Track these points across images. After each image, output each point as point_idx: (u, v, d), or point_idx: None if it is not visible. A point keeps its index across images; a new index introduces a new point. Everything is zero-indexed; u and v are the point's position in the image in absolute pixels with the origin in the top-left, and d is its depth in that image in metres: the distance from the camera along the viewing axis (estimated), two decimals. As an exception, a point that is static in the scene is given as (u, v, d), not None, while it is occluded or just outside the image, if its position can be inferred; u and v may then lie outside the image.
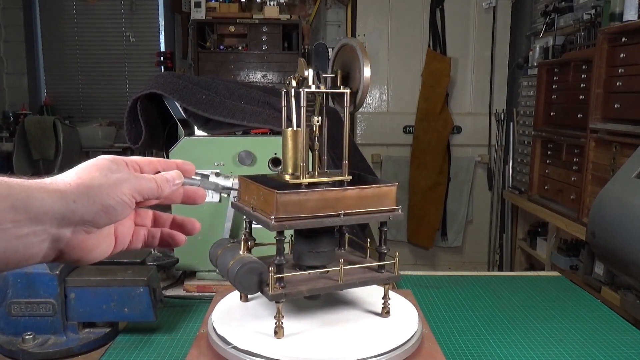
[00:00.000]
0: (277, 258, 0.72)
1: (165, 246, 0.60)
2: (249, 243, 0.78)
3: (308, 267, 0.79)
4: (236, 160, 1.22)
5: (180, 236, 0.60)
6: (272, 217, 0.70)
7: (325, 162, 0.83)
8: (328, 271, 0.79)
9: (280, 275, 0.72)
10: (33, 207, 0.43)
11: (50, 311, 0.93)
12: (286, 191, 0.71)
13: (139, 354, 0.95)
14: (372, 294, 0.85)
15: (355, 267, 0.80)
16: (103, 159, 0.51)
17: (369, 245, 0.86)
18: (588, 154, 2.57)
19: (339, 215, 0.73)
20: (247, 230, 0.81)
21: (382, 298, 0.80)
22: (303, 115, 0.75)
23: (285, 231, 0.72)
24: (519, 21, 3.98)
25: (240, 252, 0.75)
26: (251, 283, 0.71)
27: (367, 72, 0.73)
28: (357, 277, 0.78)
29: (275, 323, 0.73)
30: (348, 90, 0.77)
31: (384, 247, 0.79)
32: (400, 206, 0.77)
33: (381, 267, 0.79)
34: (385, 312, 0.80)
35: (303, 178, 0.75)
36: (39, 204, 0.44)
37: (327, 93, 0.79)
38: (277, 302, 0.72)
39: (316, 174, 0.80)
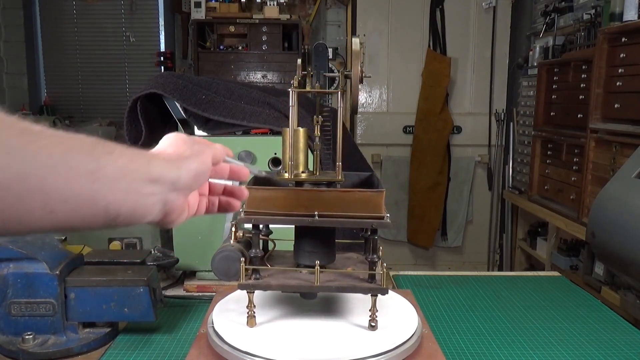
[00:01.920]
0: (252, 251, 0.76)
1: (223, 211, 0.65)
2: (238, 233, 0.80)
3: (305, 265, 0.80)
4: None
5: (235, 202, 0.65)
6: (242, 210, 0.73)
7: (342, 165, 0.82)
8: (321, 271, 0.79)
9: (249, 267, 0.75)
10: (153, 172, 0.50)
11: (50, 311, 0.92)
12: (255, 187, 0.74)
13: (139, 354, 0.95)
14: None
15: (339, 272, 0.78)
16: (179, 134, 0.58)
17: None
18: (588, 154, 2.57)
19: (312, 216, 0.73)
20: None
21: (369, 310, 0.76)
22: (292, 115, 0.76)
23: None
24: (519, 21, 3.98)
25: (231, 241, 0.79)
26: (224, 269, 0.76)
27: (354, 71, 0.73)
28: (337, 283, 0.76)
29: (247, 312, 0.77)
30: (338, 91, 0.77)
31: (374, 256, 0.75)
32: (388, 214, 0.72)
33: (371, 277, 0.76)
34: (372, 325, 0.76)
35: (291, 176, 0.77)
36: (158, 169, 0.50)
37: (327, 93, 0.79)
38: (247, 291, 0.75)
39: (317, 173, 0.80)
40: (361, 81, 0.77)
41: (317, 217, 0.72)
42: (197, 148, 0.57)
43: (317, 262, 0.74)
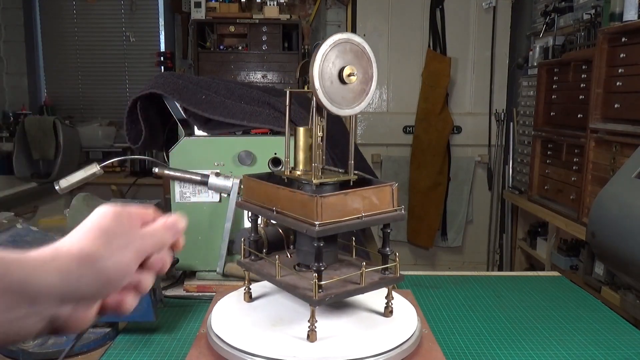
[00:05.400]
0: (252, 235, 0.84)
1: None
2: (270, 220, 0.87)
3: (299, 263, 0.82)
4: (236, 160, 1.22)
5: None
6: (241, 195, 0.83)
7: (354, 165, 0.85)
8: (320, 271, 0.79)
9: (245, 248, 0.84)
10: (32, 289, 0.40)
11: (50, 311, 0.92)
12: (248, 177, 0.81)
13: (139, 354, 0.95)
14: (373, 295, 0.85)
15: (295, 274, 0.79)
16: (106, 217, 0.47)
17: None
18: (588, 154, 2.57)
19: (272, 211, 0.77)
20: None
21: (309, 320, 0.73)
22: (287, 115, 0.81)
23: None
24: (519, 21, 3.98)
25: (260, 225, 0.87)
26: (238, 246, 0.86)
27: (310, 72, 0.72)
28: (289, 282, 0.76)
29: (244, 289, 0.86)
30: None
31: (320, 264, 0.72)
32: (318, 222, 0.69)
33: (319, 287, 0.72)
34: (308, 335, 0.73)
35: (286, 173, 0.81)
36: (40, 284, 0.41)
37: (306, 93, 0.81)
38: (244, 269, 0.84)
39: (318, 173, 0.80)
40: (344, 82, 0.76)
41: (275, 213, 0.76)
42: (118, 244, 0.46)
43: (277, 256, 0.79)
